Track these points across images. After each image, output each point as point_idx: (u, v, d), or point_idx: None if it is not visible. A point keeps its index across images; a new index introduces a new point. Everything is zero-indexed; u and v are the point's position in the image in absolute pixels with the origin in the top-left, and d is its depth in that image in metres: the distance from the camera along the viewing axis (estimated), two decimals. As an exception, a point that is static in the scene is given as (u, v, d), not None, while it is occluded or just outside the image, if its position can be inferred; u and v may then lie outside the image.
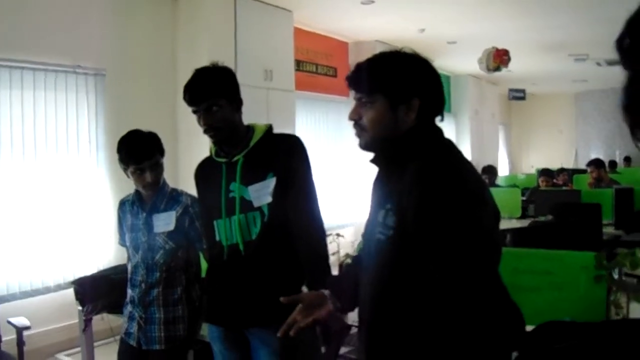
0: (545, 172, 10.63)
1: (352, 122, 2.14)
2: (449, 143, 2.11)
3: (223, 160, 3.03)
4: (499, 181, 11.84)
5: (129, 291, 3.62)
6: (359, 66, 2.14)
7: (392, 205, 2.01)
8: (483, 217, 1.90)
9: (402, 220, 1.95)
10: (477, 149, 16.67)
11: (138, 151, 3.40)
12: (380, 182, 2.20)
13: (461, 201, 1.86)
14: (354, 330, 2.91)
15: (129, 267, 3.62)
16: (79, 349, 4.75)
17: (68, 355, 6.11)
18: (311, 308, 2.27)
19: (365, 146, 2.13)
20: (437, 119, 2.14)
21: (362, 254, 2.36)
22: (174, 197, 3.57)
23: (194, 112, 2.96)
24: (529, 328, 3.05)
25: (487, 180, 10.08)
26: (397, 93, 2.04)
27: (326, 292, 2.33)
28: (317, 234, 2.98)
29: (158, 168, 3.48)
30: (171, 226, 3.48)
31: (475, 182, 1.98)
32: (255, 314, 2.96)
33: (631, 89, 0.93)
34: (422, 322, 1.92)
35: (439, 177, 1.90)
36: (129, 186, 3.63)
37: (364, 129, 2.10)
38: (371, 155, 2.17)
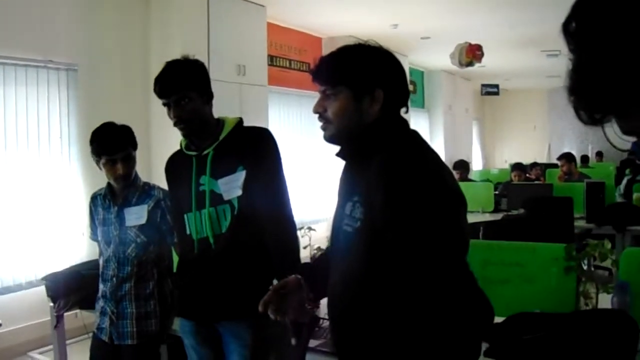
0: (517, 167, 10.70)
1: (317, 115, 2.15)
2: (414, 134, 2.12)
3: (193, 153, 3.02)
4: (472, 176, 11.91)
5: (101, 286, 3.60)
6: (322, 59, 2.17)
7: (358, 197, 2.03)
8: (448, 206, 1.91)
9: (369, 211, 1.96)
10: (451, 143, 16.76)
11: (110, 142, 3.39)
12: (347, 175, 2.21)
13: (426, 192, 1.88)
14: (325, 323, 2.92)
15: (101, 262, 3.61)
16: (51, 346, 4.71)
17: (41, 353, 6.06)
18: (286, 294, 2.27)
19: (330, 138, 2.14)
20: (402, 111, 2.15)
21: (330, 246, 2.36)
22: (146, 190, 3.56)
23: (164, 104, 2.95)
24: (499, 320, 3.08)
25: (459, 175, 10.17)
26: (361, 84, 2.05)
27: (301, 278, 2.33)
28: (287, 226, 2.97)
29: (130, 160, 3.47)
30: (143, 220, 3.47)
31: (440, 172, 1.98)
32: (226, 308, 2.95)
33: (576, 72, 0.95)
34: (391, 313, 1.92)
35: (404, 169, 1.91)
36: (102, 181, 3.62)
37: (329, 121, 2.11)
38: (337, 149, 2.17)
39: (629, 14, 0.84)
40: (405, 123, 2.14)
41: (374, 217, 1.93)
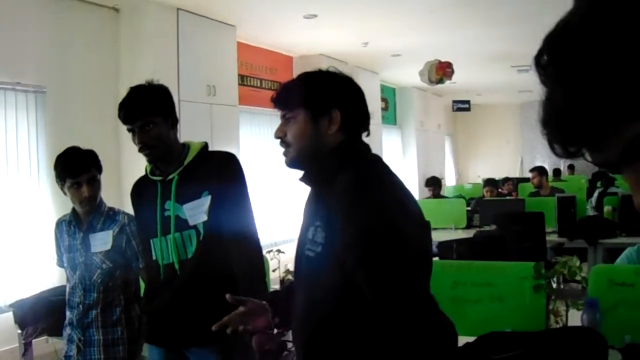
0: (489, 182, 10.76)
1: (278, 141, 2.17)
2: (376, 158, 2.14)
3: (158, 178, 3.00)
4: (445, 192, 11.96)
5: (68, 313, 3.56)
6: (282, 85, 2.23)
7: (320, 222, 2.02)
8: (408, 229, 1.90)
9: (330, 236, 1.96)
10: (424, 160, 16.83)
11: (74, 165, 3.37)
12: (311, 200, 2.21)
13: (385, 216, 1.88)
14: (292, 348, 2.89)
15: (67, 289, 3.57)
16: (20, 374, 4.65)
17: (10, 380, 5.98)
18: (250, 314, 2.30)
19: (290, 163, 2.17)
20: (364, 135, 2.16)
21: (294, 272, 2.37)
22: (111, 216, 3.52)
23: (129, 130, 2.94)
24: (470, 339, 3.08)
25: (432, 192, 10.18)
26: (317, 105, 2.08)
27: (266, 304, 2.34)
28: (253, 249, 2.96)
29: (95, 183, 3.43)
30: (108, 245, 3.43)
31: (400, 195, 1.99)
32: (194, 334, 2.92)
33: (548, 104, 0.95)
34: (355, 339, 1.92)
35: (363, 193, 1.93)
36: (71, 205, 3.57)
37: (289, 145, 2.14)
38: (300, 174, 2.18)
39: (601, 48, 0.83)
40: (366, 147, 2.16)
41: (334, 242, 1.93)
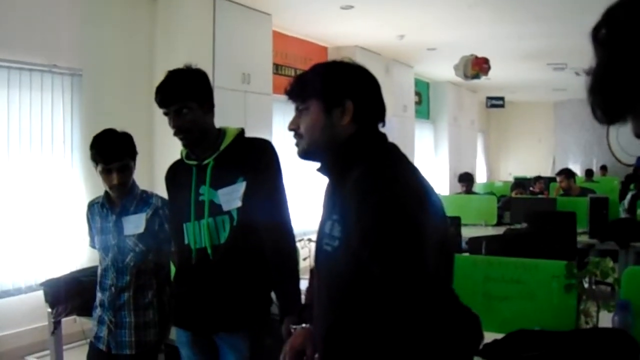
0: (518, 185, 10.63)
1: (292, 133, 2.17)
2: (392, 148, 2.11)
3: (193, 163, 3.01)
4: (476, 188, 11.87)
5: (99, 294, 3.57)
6: (295, 78, 2.21)
7: (337, 216, 2.01)
8: (424, 220, 1.87)
9: (345, 230, 1.94)
10: (455, 155, 16.74)
11: (108, 151, 3.36)
12: (328, 193, 2.19)
13: (401, 208, 1.85)
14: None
15: (99, 270, 3.58)
16: (48, 351, 4.70)
17: (38, 358, 6.05)
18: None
19: (302, 154, 2.16)
20: (379, 126, 2.14)
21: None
22: (144, 199, 3.53)
23: (165, 113, 2.94)
24: (499, 336, 3.06)
25: (464, 188, 10.11)
26: (329, 96, 2.07)
27: (310, 326, 2.34)
28: (285, 238, 2.96)
29: (126, 171, 3.43)
30: (141, 229, 3.44)
31: (415, 186, 1.96)
32: (223, 319, 2.94)
33: (598, 70, 1.04)
34: (374, 333, 1.90)
35: (378, 185, 1.90)
36: (104, 188, 3.59)
37: (301, 137, 2.13)
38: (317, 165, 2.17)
39: None
40: (382, 137, 2.13)
41: (350, 236, 1.92)
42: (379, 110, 2.14)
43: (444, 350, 1.84)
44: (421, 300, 1.81)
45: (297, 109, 2.15)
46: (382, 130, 2.15)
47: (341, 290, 2.01)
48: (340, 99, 2.05)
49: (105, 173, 3.38)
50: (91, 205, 3.67)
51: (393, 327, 1.84)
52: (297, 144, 2.16)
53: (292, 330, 2.44)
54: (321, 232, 2.12)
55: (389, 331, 1.85)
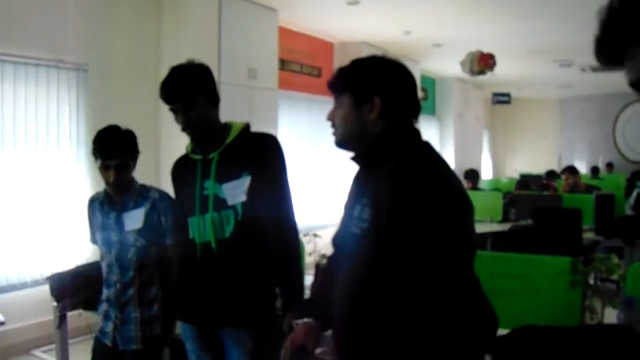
0: (523, 185, 10.62)
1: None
2: (426, 144, 2.17)
3: (198, 157, 3.02)
4: (482, 185, 11.86)
5: (105, 290, 3.57)
6: (336, 71, 2.30)
7: (367, 200, 2.08)
8: (455, 211, 1.95)
9: (377, 213, 2.00)
10: (461, 151, 16.71)
11: (107, 147, 3.36)
12: (358, 180, 2.28)
13: (433, 196, 1.91)
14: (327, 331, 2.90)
15: (103, 267, 3.58)
16: (54, 345, 4.71)
17: (44, 351, 6.07)
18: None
19: (336, 143, 2.26)
20: (413, 122, 2.21)
21: (336, 252, 2.42)
22: (142, 193, 3.52)
23: (171, 109, 2.95)
24: (504, 332, 3.05)
25: (469, 184, 10.10)
26: (359, 91, 2.16)
27: (312, 321, 2.41)
28: (289, 233, 2.97)
29: (124, 169, 3.41)
30: (140, 223, 3.43)
31: (449, 178, 2.03)
32: (227, 314, 2.94)
33: (608, 23, 1.10)
34: (395, 317, 1.94)
35: (413, 174, 1.97)
36: (108, 182, 3.60)
37: (336, 128, 2.23)
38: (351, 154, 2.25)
39: None
40: (416, 133, 2.20)
41: (380, 219, 1.97)
42: (410, 107, 2.21)
43: (461, 336, 1.89)
44: (447, 287, 1.88)
45: (335, 100, 2.24)
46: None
47: (366, 271, 2.05)
48: (369, 94, 2.14)
49: (104, 169, 3.39)
50: (91, 202, 3.68)
51: (415, 311, 1.89)
52: (333, 134, 2.26)
53: (294, 325, 2.46)
54: (348, 216, 2.20)
55: (413, 314, 1.90)
